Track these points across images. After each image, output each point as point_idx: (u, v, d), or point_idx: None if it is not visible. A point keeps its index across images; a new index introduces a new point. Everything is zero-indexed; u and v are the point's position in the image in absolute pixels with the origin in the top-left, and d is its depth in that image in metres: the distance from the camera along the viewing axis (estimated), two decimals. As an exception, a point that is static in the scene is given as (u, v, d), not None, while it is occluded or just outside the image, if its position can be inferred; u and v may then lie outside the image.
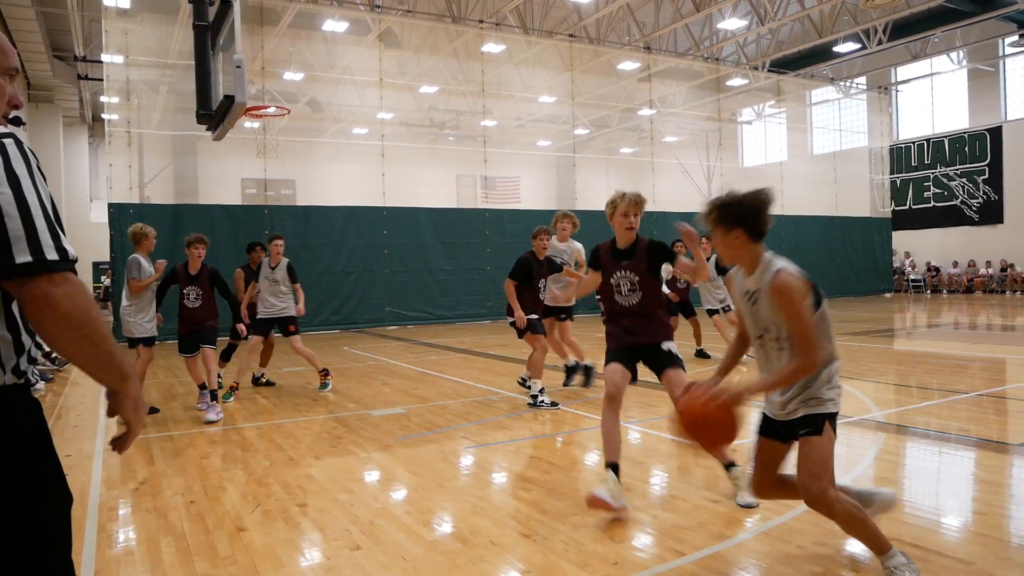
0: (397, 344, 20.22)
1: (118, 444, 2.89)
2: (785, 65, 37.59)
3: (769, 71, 36.18)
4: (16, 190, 2.45)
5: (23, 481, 2.53)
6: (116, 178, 22.84)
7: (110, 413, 2.74)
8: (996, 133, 38.35)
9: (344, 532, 6.00)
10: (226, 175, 34.36)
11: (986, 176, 38.86)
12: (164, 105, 29.83)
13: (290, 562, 5.47)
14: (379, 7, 25.61)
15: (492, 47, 28.85)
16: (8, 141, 2.54)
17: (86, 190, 40.09)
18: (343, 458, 8.28)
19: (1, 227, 2.41)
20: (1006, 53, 37.07)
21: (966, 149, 39.63)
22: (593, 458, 8.06)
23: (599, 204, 29.29)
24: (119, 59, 23.93)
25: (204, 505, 6.78)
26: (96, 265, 39.72)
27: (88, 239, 38.13)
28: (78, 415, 11.31)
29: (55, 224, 2.51)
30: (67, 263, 2.48)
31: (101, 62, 25.98)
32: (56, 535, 2.63)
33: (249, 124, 29.61)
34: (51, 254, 2.44)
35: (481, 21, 27.50)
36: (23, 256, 2.41)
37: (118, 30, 23.32)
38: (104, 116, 28.70)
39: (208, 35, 11.79)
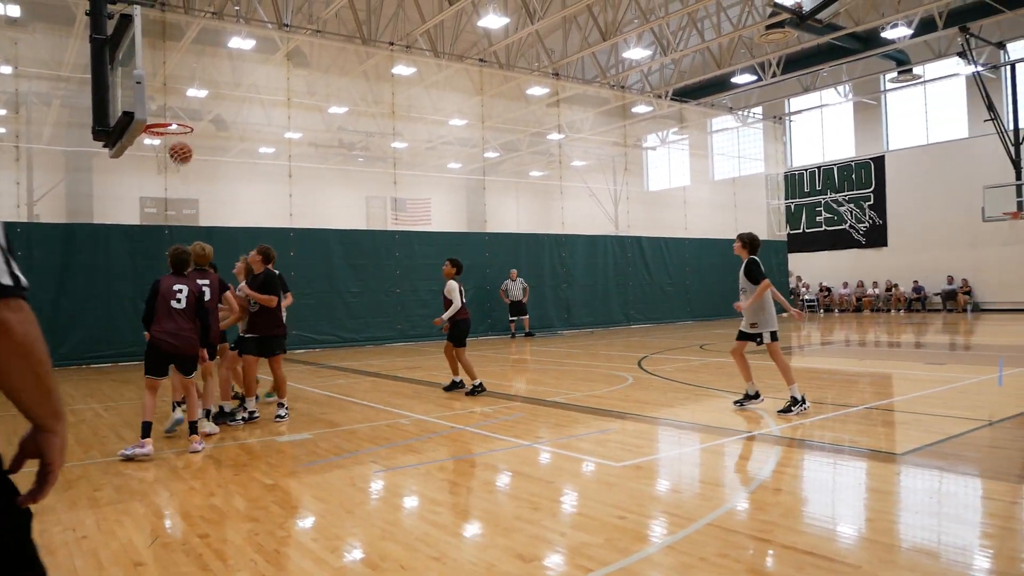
0: (304, 368, 19.96)
1: (36, 493, 2.54)
2: (687, 94, 38.40)
3: (672, 99, 36.84)
4: None
5: None
6: (2, 195, 22.22)
7: (23, 456, 2.52)
8: (880, 162, 40.56)
9: (249, 562, 5.84)
10: (124, 194, 33.60)
11: (871, 202, 40.96)
12: (57, 119, 29.15)
13: (191, 593, 5.31)
14: (287, 26, 25.38)
15: (402, 69, 28.78)
16: None
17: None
18: (247, 486, 8.09)
19: None
20: (887, 88, 39.85)
21: (853, 176, 41.81)
22: (504, 479, 7.99)
23: (509, 227, 29.08)
24: (7, 69, 23.34)
25: (97, 540, 6.51)
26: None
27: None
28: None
29: (7, 251, 2.38)
30: (21, 290, 2.36)
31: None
32: None
33: (149, 141, 29.09)
34: (5, 279, 2.32)
35: (391, 43, 27.45)
36: None
37: (7, 39, 22.75)
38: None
39: (106, 49, 11.50)
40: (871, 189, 41.07)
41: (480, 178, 36.44)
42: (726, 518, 6.50)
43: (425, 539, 6.20)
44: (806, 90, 39.46)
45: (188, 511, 7.28)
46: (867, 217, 41.28)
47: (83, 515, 7.26)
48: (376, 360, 21.43)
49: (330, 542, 6.21)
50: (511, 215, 44.93)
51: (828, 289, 42.93)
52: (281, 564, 5.78)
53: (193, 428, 9.93)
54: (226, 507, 7.34)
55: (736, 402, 12.08)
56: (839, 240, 42.79)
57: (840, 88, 40.27)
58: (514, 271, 28.82)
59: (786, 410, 11.12)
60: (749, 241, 11.91)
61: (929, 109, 39.10)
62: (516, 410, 12.33)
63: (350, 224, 33.30)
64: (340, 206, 37.35)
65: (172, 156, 16.68)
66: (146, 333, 9.77)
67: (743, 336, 11.73)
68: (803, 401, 11.22)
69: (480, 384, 14.36)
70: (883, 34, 30.12)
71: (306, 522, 6.80)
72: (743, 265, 11.75)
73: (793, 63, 34.63)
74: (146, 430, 9.41)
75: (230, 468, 8.95)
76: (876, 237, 41.24)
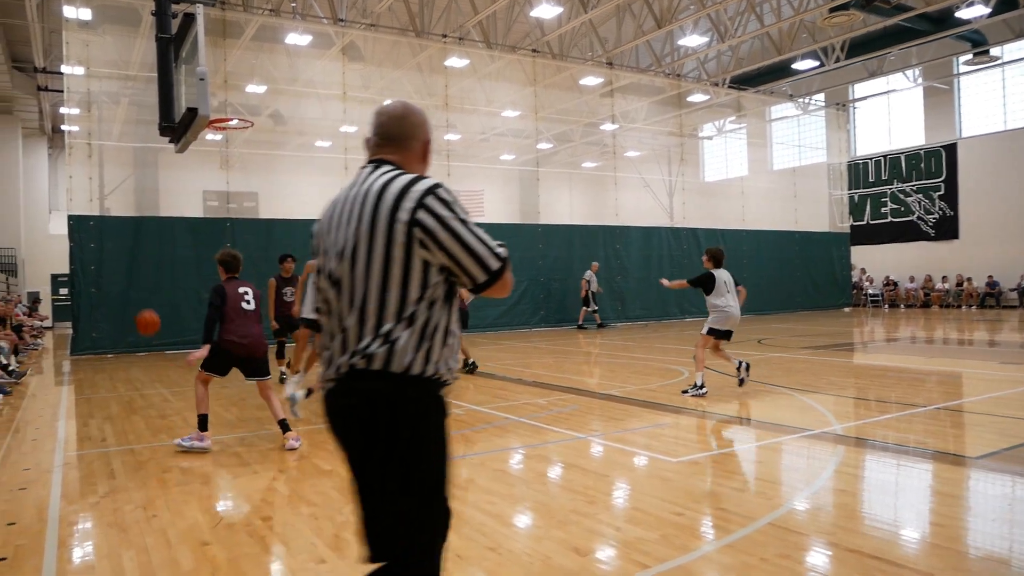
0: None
1: None
2: (745, 81, 37.81)
3: (729, 87, 36.39)
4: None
5: None
6: (76, 190, 22.69)
7: None
8: (951, 150, 38.78)
9: (309, 545, 6.00)
10: (188, 187, 34.16)
11: (942, 192, 39.24)
12: (125, 117, 29.66)
13: (255, 576, 5.46)
14: (342, 21, 25.58)
15: (455, 61, 28.88)
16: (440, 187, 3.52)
17: (45, 202, 39.74)
18: (307, 472, 8.26)
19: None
20: (960, 71, 37.58)
21: (922, 166, 40.02)
22: (558, 471, 8.07)
23: (562, 218, 29.13)
24: (80, 71, 23.78)
25: (166, 519, 6.75)
26: (54, 277, 39.36)
27: (46, 251, 37.80)
28: (36, 428, 11.20)
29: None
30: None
31: (61, 73, 25.80)
32: None
33: (211, 136, 29.47)
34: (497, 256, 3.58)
35: (444, 36, 27.55)
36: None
37: (79, 41, 23.19)
38: (64, 128, 28.52)
39: (171, 47, 11.75)
40: (942, 178, 39.31)
41: (533, 169, 36.51)
42: (787, 518, 6.46)
43: (481, 529, 6.31)
44: (872, 75, 37.74)
45: (251, 494, 7.48)
46: (936, 208, 39.61)
47: (153, 495, 7.55)
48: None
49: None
50: (564, 206, 44.95)
51: (894, 283, 41.26)
52: (340, 548, 5.93)
53: (285, 426, 9.86)
54: (287, 491, 7.51)
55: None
56: (906, 232, 41.11)
57: (909, 72, 38.21)
58: (595, 263, 28.83)
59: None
60: (713, 256, 13.26)
61: (1007, 93, 37.21)
62: (570, 402, 12.38)
63: (406, 216, 33.42)
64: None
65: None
66: (204, 346, 9.55)
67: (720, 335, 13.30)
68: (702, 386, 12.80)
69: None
70: (957, 14, 28.77)
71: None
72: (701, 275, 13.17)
73: (858, 47, 33.32)
74: (203, 423, 9.53)
75: (291, 453, 9.17)
76: (946, 229, 39.49)
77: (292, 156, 35.31)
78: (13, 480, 8.20)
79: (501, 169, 43.44)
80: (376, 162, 3.73)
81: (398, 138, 3.76)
